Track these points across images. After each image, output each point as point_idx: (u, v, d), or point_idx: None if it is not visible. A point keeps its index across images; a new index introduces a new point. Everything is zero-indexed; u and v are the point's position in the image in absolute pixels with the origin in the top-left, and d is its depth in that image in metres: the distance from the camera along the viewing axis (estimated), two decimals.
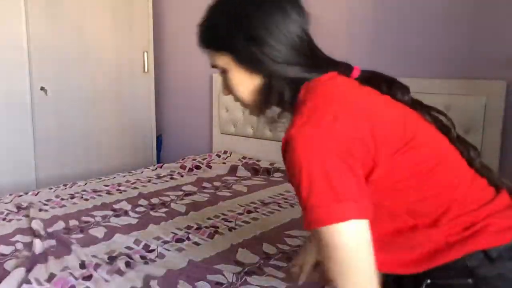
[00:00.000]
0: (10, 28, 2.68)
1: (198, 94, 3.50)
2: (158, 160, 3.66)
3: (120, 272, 1.42)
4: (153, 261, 1.51)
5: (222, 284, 1.34)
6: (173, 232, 1.77)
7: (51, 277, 1.37)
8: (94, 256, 1.54)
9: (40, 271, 1.40)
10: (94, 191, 2.35)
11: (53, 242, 1.65)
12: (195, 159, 3.09)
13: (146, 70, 3.42)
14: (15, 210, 2.04)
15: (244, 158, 3.10)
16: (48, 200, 2.19)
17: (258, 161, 3.00)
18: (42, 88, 2.82)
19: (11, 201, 2.17)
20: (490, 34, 2.20)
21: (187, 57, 3.54)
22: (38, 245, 1.58)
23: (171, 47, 3.63)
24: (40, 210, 2.03)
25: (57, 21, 2.87)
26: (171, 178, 2.64)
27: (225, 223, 1.88)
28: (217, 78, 3.28)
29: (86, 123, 3.09)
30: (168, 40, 3.65)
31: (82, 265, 1.46)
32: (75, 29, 2.96)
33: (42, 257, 1.50)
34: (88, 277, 1.38)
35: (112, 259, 1.52)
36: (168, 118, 3.76)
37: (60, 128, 2.96)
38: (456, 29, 2.29)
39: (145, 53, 3.39)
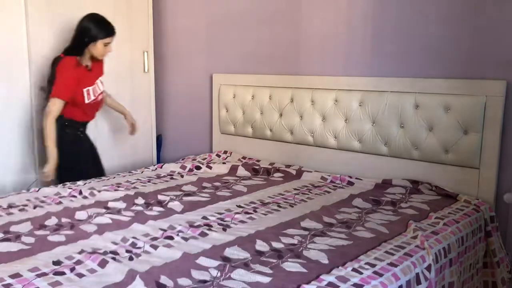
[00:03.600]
0: (11, 28, 2.69)
1: (198, 94, 3.50)
2: (158, 160, 3.66)
3: (103, 265, 1.43)
4: (139, 255, 1.52)
5: (206, 281, 1.34)
6: (163, 229, 1.77)
7: (16, 276, 1.37)
8: (80, 251, 1.56)
9: (9, 269, 1.41)
10: (94, 191, 2.35)
11: (32, 239, 1.67)
12: (195, 159, 3.09)
13: (146, 70, 3.42)
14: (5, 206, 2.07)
15: (244, 158, 3.11)
16: (45, 197, 2.22)
17: (258, 161, 3.00)
18: (42, 88, 2.83)
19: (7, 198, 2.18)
20: (490, 34, 2.20)
21: (187, 57, 3.54)
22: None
23: (171, 47, 3.64)
24: (35, 207, 2.06)
25: (57, 21, 2.87)
26: (171, 178, 2.64)
27: (221, 222, 1.88)
28: (217, 78, 3.28)
29: None
30: (168, 40, 3.65)
31: (57, 262, 1.47)
32: (75, 29, 2.95)
33: (6, 257, 1.51)
34: (62, 273, 1.39)
35: (97, 254, 1.52)
36: (168, 118, 3.77)
37: None
38: (456, 29, 2.29)
39: (145, 53, 3.39)
